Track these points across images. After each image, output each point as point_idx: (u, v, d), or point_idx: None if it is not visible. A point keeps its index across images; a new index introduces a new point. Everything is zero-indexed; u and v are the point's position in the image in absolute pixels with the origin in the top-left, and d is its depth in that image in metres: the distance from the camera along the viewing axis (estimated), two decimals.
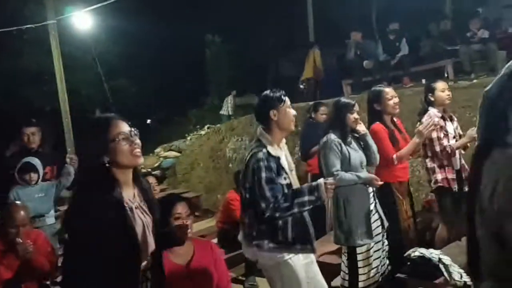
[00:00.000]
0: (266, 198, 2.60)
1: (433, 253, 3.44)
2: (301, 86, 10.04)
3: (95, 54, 11.62)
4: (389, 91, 3.79)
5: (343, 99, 3.59)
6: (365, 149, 3.53)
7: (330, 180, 2.72)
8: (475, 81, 6.97)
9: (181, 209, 2.54)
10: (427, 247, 3.62)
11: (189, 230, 2.56)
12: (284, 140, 2.86)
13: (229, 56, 15.22)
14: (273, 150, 2.70)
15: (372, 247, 3.46)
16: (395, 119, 3.91)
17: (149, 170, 9.71)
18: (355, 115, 3.44)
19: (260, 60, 15.23)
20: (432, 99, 3.94)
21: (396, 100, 3.77)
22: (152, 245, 1.89)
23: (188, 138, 10.98)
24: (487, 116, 1.41)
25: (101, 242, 1.69)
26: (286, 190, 2.67)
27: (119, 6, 9.72)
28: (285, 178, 2.69)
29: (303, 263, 2.75)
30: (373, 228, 3.42)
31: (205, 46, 15.62)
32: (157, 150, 11.16)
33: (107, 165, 1.79)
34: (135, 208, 1.85)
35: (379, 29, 9.82)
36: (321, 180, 2.69)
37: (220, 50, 15.33)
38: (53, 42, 9.62)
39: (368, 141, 3.52)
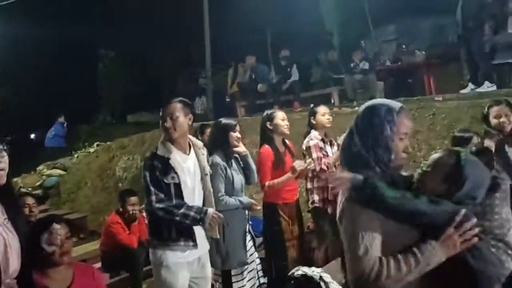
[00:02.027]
0: (148, 194, 2.82)
1: (314, 271, 3.58)
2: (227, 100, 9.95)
3: None
4: (280, 113, 3.93)
5: (224, 120, 3.64)
6: (245, 168, 3.64)
7: (220, 215, 2.94)
8: (356, 108, 7.50)
9: (58, 230, 2.37)
10: (310, 266, 3.77)
11: (66, 253, 2.40)
12: (199, 145, 3.04)
13: (123, 71, 14.75)
14: (163, 150, 2.86)
15: (246, 268, 3.52)
16: (287, 141, 4.03)
17: (29, 189, 8.93)
18: (237, 134, 3.52)
19: (156, 77, 14.97)
20: (314, 122, 4.10)
21: (286, 122, 3.91)
22: (14, 265, 1.81)
23: (75, 155, 10.35)
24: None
25: None
26: (173, 190, 2.83)
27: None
28: (172, 178, 2.83)
29: (184, 262, 2.87)
30: (248, 248, 3.52)
31: (98, 60, 15.01)
32: (40, 167, 10.33)
33: None
34: None
35: (273, 55, 10.21)
36: (211, 210, 2.90)
37: (114, 65, 14.81)
38: None
39: (248, 161, 3.62)
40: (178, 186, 2.84)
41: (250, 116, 7.84)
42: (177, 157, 2.87)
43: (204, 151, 3.07)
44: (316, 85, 9.11)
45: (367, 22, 12.66)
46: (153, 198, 2.80)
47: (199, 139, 5.35)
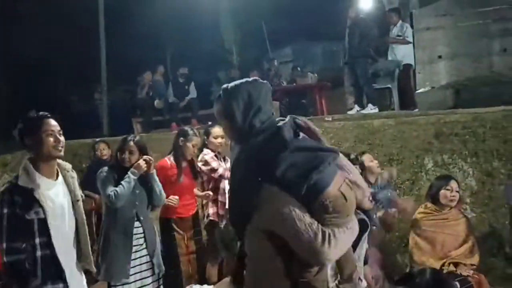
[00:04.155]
0: (2, 240, 2.36)
1: None
2: None
3: None
4: (195, 139, 3.92)
5: (123, 138, 3.61)
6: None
7: None
8: None
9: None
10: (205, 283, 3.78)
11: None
12: (67, 168, 2.63)
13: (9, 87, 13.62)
14: (25, 180, 2.43)
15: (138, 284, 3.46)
16: (194, 158, 4.02)
17: None
18: (125, 154, 3.49)
19: (49, 94, 14.04)
20: (207, 142, 4.16)
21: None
22: None
23: None
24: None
25: None
26: (36, 227, 2.41)
27: None
28: (36, 213, 2.41)
29: None
30: (139, 270, 3.45)
31: None
32: None
33: None
34: None
35: (171, 72, 10.16)
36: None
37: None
38: None
39: (151, 182, 3.57)
40: (43, 221, 2.42)
41: (147, 132, 7.67)
42: (42, 186, 2.45)
43: (74, 174, 2.69)
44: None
45: (266, 44, 13.18)
46: (4, 246, 2.35)
47: (95, 154, 5.41)
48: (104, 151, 5.46)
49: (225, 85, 1.86)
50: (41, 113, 2.54)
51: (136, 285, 3.45)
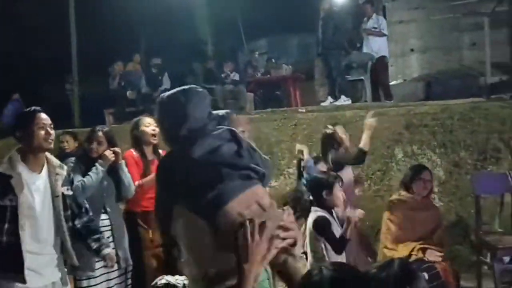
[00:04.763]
0: None
1: (178, 279, 3.57)
2: None
3: None
4: (146, 120, 3.83)
5: (91, 129, 3.54)
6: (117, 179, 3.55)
7: None
8: None
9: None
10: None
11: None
12: (55, 164, 2.69)
13: None
14: (6, 167, 2.54)
15: (102, 281, 3.41)
16: (160, 150, 3.89)
17: None
18: (93, 144, 3.42)
19: (19, 85, 13.69)
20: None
21: (153, 128, 3.74)
22: None
23: None
24: None
25: None
26: (8, 213, 2.50)
27: None
28: (10, 200, 2.50)
29: None
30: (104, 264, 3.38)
31: None
32: None
33: None
34: None
35: (145, 62, 10.02)
36: None
37: None
38: None
39: (120, 173, 3.52)
40: (15, 209, 2.50)
41: (119, 124, 7.56)
42: (23, 176, 2.55)
43: (62, 172, 2.73)
44: None
45: (241, 35, 13.13)
46: None
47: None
48: (68, 143, 5.28)
49: (162, 95, 1.94)
50: (33, 107, 2.67)
51: (101, 279, 3.40)
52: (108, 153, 3.40)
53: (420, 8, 9.09)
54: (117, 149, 3.46)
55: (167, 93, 1.93)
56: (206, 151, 1.73)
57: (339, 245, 3.15)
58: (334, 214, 3.38)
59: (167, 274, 3.83)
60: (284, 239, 1.65)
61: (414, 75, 9.51)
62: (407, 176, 3.83)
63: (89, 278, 3.33)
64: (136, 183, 3.65)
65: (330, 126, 4.07)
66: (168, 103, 1.87)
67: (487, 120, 5.03)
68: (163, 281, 3.64)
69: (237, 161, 1.74)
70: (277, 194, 5.36)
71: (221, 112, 2.00)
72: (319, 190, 3.29)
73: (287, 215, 1.72)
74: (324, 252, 3.20)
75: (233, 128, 1.86)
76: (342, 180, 3.44)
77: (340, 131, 4.01)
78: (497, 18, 8.08)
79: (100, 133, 3.45)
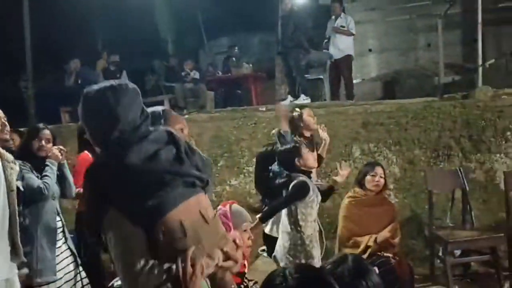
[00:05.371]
0: None
1: None
2: None
3: None
4: None
5: (34, 126, 3.44)
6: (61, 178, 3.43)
7: None
8: (187, 116, 7.62)
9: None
10: None
11: None
12: (8, 159, 2.74)
13: None
14: None
15: (62, 285, 3.31)
16: None
17: None
18: (42, 142, 3.32)
19: None
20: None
21: None
22: None
23: None
24: None
25: None
26: None
27: None
28: None
29: None
30: (64, 266, 3.31)
31: None
32: None
33: None
34: None
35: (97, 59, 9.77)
36: None
37: None
38: None
39: (63, 171, 3.44)
40: None
41: (76, 122, 7.35)
42: None
43: (15, 167, 2.76)
44: (150, 92, 8.98)
45: (202, 33, 13.03)
46: None
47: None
48: (14, 142, 5.05)
49: (86, 89, 1.70)
50: None
51: (61, 282, 3.30)
52: (57, 152, 3.32)
53: (377, 10, 9.30)
54: (62, 147, 3.41)
55: (93, 88, 1.67)
56: (144, 158, 1.57)
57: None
58: (312, 179, 3.50)
59: None
60: (228, 257, 1.62)
61: (372, 74, 9.73)
62: (360, 173, 3.91)
63: (48, 283, 3.22)
64: (77, 190, 3.58)
65: (297, 109, 4.05)
66: (95, 102, 1.64)
67: (439, 118, 5.20)
68: (119, 282, 3.61)
69: (178, 167, 1.61)
70: (237, 193, 5.37)
71: (155, 109, 1.90)
72: (291, 159, 3.34)
73: (241, 233, 1.71)
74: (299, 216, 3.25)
75: (170, 129, 1.71)
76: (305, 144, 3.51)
77: (306, 113, 4.03)
78: (450, 20, 8.39)
79: (47, 131, 3.37)
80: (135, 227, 1.51)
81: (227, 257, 1.63)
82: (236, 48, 10.46)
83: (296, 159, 3.33)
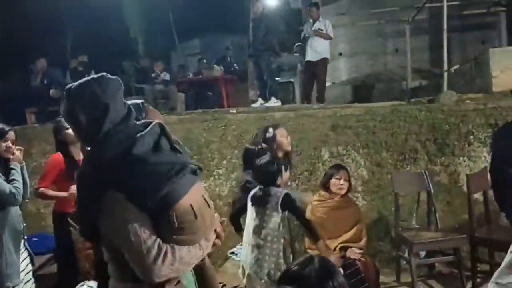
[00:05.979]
0: None
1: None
2: None
3: None
4: None
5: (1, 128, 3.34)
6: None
7: None
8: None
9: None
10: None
11: None
12: None
13: None
14: None
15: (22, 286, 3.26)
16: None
17: None
18: (8, 143, 3.25)
19: None
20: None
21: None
22: None
23: None
24: None
25: None
26: None
27: None
28: None
29: None
30: (24, 267, 3.28)
31: None
32: None
33: None
34: None
35: (71, 59, 9.59)
36: None
37: None
38: None
39: (22, 173, 3.36)
40: None
41: (41, 123, 7.18)
42: None
43: None
44: None
45: (173, 35, 12.95)
46: None
47: None
48: None
49: (68, 86, 1.69)
50: None
51: (22, 284, 3.29)
52: (19, 154, 3.28)
53: (347, 14, 9.44)
54: (21, 148, 3.37)
55: (75, 84, 1.67)
56: (148, 149, 1.60)
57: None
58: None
59: (98, 276, 3.74)
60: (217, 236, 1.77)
61: (342, 78, 9.87)
62: (325, 176, 3.96)
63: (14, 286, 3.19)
64: (40, 190, 3.61)
65: (270, 130, 4.04)
66: (81, 95, 1.62)
67: (406, 122, 5.29)
68: (85, 286, 3.54)
69: (180, 157, 1.68)
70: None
71: (134, 102, 1.86)
72: (275, 175, 3.42)
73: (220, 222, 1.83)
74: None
75: (160, 122, 1.72)
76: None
77: (279, 134, 4.02)
78: (417, 26, 8.60)
79: (13, 132, 3.32)
80: (141, 213, 1.54)
81: (216, 236, 1.77)
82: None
83: (278, 176, 3.42)
